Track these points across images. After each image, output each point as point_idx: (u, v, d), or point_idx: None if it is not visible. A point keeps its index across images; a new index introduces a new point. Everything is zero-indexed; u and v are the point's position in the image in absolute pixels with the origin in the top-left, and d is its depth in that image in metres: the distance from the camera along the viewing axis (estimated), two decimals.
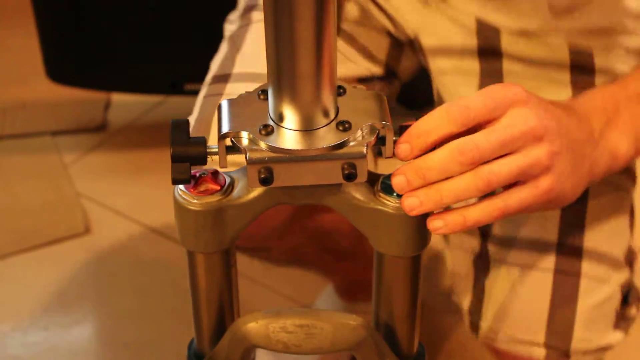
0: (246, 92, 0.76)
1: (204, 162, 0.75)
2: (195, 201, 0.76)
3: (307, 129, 0.73)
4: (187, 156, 0.75)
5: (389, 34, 1.14)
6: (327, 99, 0.73)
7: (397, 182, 0.75)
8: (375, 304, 0.85)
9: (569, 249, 1.04)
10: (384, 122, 0.73)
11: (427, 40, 1.12)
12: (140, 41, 1.79)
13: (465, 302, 1.10)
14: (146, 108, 2.03)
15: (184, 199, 0.76)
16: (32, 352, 1.54)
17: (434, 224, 0.76)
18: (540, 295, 1.04)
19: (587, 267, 1.04)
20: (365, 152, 0.73)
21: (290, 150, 0.72)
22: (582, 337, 1.03)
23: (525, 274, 1.05)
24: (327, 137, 0.73)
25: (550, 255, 1.04)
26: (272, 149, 0.72)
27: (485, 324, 1.07)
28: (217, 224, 0.77)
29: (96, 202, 1.80)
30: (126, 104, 2.03)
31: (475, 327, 1.09)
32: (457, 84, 1.11)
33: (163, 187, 1.63)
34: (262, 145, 0.73)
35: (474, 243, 1.09)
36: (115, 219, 1.77)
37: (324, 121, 0.73)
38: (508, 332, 1.05)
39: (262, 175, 0.73)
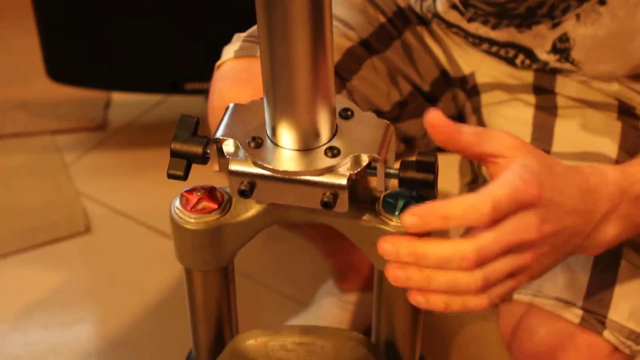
0: (261, 98, 0.75)
1: (203, 162, 0.74)
2: (192, 220, 0.75)
3: (296, 148, 0.72)
4: (186, 153, 0.74)
5: (439, 67, 1.17)
6: (320, 121, 0.72)
7: (385, 249, 0.74)
8: (376, 319, 0.85)
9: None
10: (375, 155, 0.72)
11: (483, 79, 1.15)
12: (141, 40, 1.78)
13: None
14: (146, 107, 2.02)
15: (180, 217, 0.75)
16: (32, 351, 1.53)
17: (416, 298, 0.75)
18: (583, 262, 1.04)
19: (628, 252, 1.04)
20: (345, 183, 0.71)
21: (273, 169, 0.72)
22: (621, 308, 1.02)
23: None
24: (313, 161, 0.72)
25: None
26: (256, 164, 0.72)
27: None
28: (215, 242, 0.76)
29: (96, 201, 1.80)
30: (126, 103, 2.02)
31: None
32: (510, 113, 1.14)
33: (163, 186, 1.63)
34: (248, 158, 0.72)
35: None
36: (115, 218, 1.77)
37: (315, 143, 0.72)
38: (548, 291, 1.05)
39: (242, 188, 0.72)
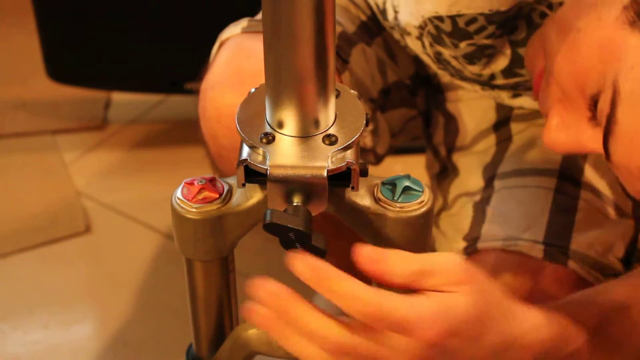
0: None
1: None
2: (193, 210, 0.75)
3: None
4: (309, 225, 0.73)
5: (414, 63, 1.19)
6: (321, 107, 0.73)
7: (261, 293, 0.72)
8: None
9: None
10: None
11: (447, 79, 1.16)
12: (141, 40, 1.78)
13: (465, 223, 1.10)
14: (146, 107, 2.02)
15: (182, 207, 0.75)
16: (32, 351, 1.53)
17: (262, 324, 0.72)
18: (540, 204, 1.05)
19: (586, 194, 1.05)
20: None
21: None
22: (580, 240, 1.03)
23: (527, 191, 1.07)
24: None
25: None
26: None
27: (485, 227, 1.07)
28: (216, 232, 0.76)
29: (96, 201, 1.80)
30: (126, 103, 2.03)
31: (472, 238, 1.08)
32: (473, 103, 1.15)
33: (164, 185, 1.63)
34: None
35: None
36: (115, 218, 1.77)
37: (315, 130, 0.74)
38: (508, 233, 1.05)
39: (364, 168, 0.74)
